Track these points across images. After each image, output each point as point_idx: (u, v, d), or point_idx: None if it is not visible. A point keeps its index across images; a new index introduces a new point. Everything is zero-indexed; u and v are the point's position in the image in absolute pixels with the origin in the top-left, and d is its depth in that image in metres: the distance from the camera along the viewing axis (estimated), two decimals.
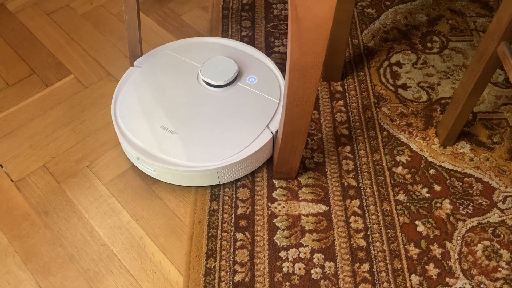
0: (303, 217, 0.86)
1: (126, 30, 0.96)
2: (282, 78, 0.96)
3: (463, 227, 0.85)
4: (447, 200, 0.88)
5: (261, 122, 0.89)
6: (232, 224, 0.85)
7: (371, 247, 0.82)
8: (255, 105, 0.91)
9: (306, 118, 0.76)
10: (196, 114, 0.90)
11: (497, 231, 0.84)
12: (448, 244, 0.83)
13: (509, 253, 0.82)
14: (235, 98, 0.92)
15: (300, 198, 0.88)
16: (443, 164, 0.93)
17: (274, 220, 0.86)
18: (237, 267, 0.80)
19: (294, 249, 0.82)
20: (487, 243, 0.83)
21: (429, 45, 1.13)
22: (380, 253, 0.82)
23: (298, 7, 0.58)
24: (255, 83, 0.94)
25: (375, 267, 0.80)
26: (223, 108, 0.91)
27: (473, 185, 0.90)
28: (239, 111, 0.91)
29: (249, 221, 0.86)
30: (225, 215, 0.86)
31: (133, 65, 0.99)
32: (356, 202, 0.88)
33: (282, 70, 1.00)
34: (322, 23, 0.60)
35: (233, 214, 0.86)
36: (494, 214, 0.86)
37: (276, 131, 0.88)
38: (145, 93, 0.94)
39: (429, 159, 0.94)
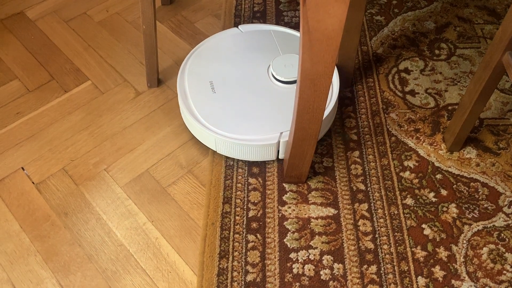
0: (312, 220, 0.89)
1: (143, 39, 1.00)
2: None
3: (469, 230, 0.87)
4: (453, 204, 0.90)
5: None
6: (244, 226, 0.88)
7: (378, 249, 0.85)
8: None
9: (317, 124, 0.79)
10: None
11: (502, 235, 0.86)
12: (454, 247, 0.85)
13: None
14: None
15: (310, 202, 0.91)
16: (449, 169, 0.95)
17: (285, 223, 0.88)
18: (248, 267, 0.83)
19: (304, 250, 0.85)
20: (492, 246, 0.85)
21: (437, 52, 1.16)
22: (387, 256, 0.84)
23: (310, 21, 0.61)
24: None
25: (382, 269, 0.83)
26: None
27: (479, 190, 0.92)
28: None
29: (260, 223, 0.89)
30: (237, 217, 0.89)
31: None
32: (365, 206, 0.90)
33: None
34: (332, 35, 0.63)
35: (245, 217, 0.89)
36: (499, 218, 0.88)
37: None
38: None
39: (436, 164, 0.96)
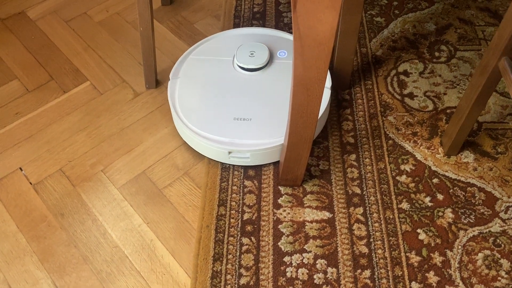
0: (307, 223, 0.89)
1: (141, 40, 1.00)
2: None
3: (464, 236, 0.87)
4: (449, 209, 0.90)
5: None
6: (239, 229, 0.88)
7: (373, 254, 0.85)
8: None
9: (311, 129, 0.79)
10: (254, 97, 0.98)
11: (498, 240, 0.86)
12: (449, 253, 0.85)
13: (509, 263, 0.83)
14: (278, 73, 1.01)
15: (305, 205, 0.91)
16: (446, 174, 0.95)
17: (279, 226, 0.89)
18: (242, 270, 0.84)
19: (298, 254, 0.85)
20: (487, 252, 0.85)
21: (436, 54, 1.15)
22: (381, 260, 0.84)
23: (301, 26, 0.61)
24: (287, 56, 1.03)
25: (376, 273, 0.83)
26: (273, 85, 0.99)
27: (475, 195, 0.92)
28: (289, 81, 0.96)
29: (255, 226, 0.89)
30: (232, 220, 0.90)
31: (169, 79, 1.03)
32: (360, 210, 0.90)
33: None
34: (324, 41, 0.63)
35: (240, 219, 0.90)
36: (495, 223, 0.88)
37: (331, 86, 0.99)
38: (198, 97, 0.99)
39: (433, 168, 0.96)
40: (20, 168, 0.99)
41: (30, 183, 0.97)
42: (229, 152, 0.93)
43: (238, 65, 1.01)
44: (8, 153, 1.01)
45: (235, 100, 0.98)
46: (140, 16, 0.95)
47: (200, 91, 1.00)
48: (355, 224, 0.89)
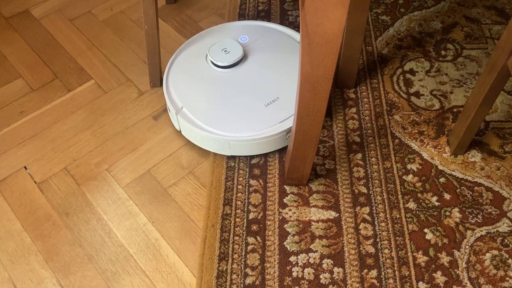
0: (313, 223, 0.88)
1: (145, 39, 1.00)
2: (281, 26, 1.10)
3: (471, 236, 0.86)
4: (456, 209, 0.89)
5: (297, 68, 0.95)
6: (244, 228, 0.88)
7: (379, 254, 0.84)
8: (282, 54, 1.03)
9: (317, 127, 0.78)
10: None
11: (506, 240, 0.85)
12: (456, 253, 0.84)
13: None
14: (258, 63, 1.02)
15: (310, 204, 0.90)
16: (453, 173, 0.94)
17: (285, 225, 0.88)
18: (248, 270, 0.83)
19: (304, 254, 0.84)
20: (495, 252, 0.84)
21: (443, 52, 1.14)
22: (388, 260, 0.83)
23: (309, 24, 0.60)
24: (248, 40, 1.06)
25: (383, 273, 0.82)
26: (258, 76, 1.00)
27: (483, 194, 0.91)
28: (270, 71, 1.01)
29: (261, 225, 0.88)
30: (237, 219, 0.89)
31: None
32: (366, 209, 0.89)
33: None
34: (332, 38, 0.62)
35: (245, 219, 0.89)
36: (503, 223, 0.87)
37: None
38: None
39: (440, 167, 0.95)
40: (25, 167, 0.99)
41: (35, 182, 0.97)
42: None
43: (215, 64, 1.01)
44: (12, 152, 1.01)
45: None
46: (145, 15, 0.95)
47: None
48: (362, 223, 0.88)
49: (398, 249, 0.85)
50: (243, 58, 1.03)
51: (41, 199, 0.94)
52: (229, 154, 0.96)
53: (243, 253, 0.85)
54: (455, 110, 1.04)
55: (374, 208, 0.90)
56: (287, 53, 1.04)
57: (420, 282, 0.81)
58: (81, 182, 0.96)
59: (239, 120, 0.94)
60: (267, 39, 1.07)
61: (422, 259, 0.83)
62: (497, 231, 0.86)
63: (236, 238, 0.87)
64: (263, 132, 0.93)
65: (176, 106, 0.97)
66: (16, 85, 1.13)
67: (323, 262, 0.84)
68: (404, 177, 0.94)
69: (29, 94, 1.11)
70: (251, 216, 0.89)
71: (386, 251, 0.84)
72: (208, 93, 0.98)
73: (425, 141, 0.99)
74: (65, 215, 0.92)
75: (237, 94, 0.98)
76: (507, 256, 0.83)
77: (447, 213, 0.89)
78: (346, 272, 0.82)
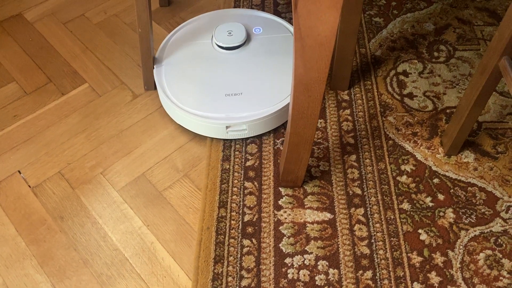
0: (308, 224, 0.89)
1: (139, 42, 1.00)
2: (281, 19, 1.13)
3: (465, 236, 0.86)
4: (450, 209, 0.90)
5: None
6: (239, 230, 0.88)
7: (374, 255, 0.84)
8: (279, 45, 1.06)
9: (311, 130, 0.79)
10: (241, 74, 1.02)
11: (499, 240, 0.86)
12: (450, 253, 0.85)
13: (511, 263, 0.83)
14: (260, 49, 1.06)
15: (305, 206, 0.91)
16: (447, 174, 0.95)
17: (280, 227, 0.88)
18: (243, 272, 0.83)
19: (299, 256, 0.85)
20: (489, 252, 0.84)
21: (435, 54, 1.15)
22: (383, 261, 0.84)
23: (302, 27, 0.61)
24: (262, 32, 1.09)
25: (378, 274, 0.82)
26: (257, 60, 1.04)
27: (476, 195, 0.91)
28: (272, 54, 1.04)
29: (256, 228, 0.88)
30: (232, 221, 0.89)
31: (154, 68, 1.06)
32: (361, 211, 0.90)
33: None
34: (325, 41, 0.63)
35: (240, 221, 0.89)
36: (497, 223, 0.88)
37: None
38: (188, 79, 1.02)
39: (434, 168, 0.95)
40: (19, 171, 0.99)
41: (29, 186, 0.96)
42: (227, 127, 0.96)
43: (217, 45, 1.05)
44: (6, 156, 1.01)
45: (221, 78, 1.02)
46: (138, 18, 0.95)
47: (188, 74, 1.03)
48: (356, 225, 0.88)
49: (393, 250, 0.85)
50: (245, 44, 1.07)
51: (35, 203, 0.94)
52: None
53: (239, 256, 0.85)
54: (448, 111, 1.05)
55: (368, 209, 0.90)
56: (287, 55, 1.06)
57: (415, 283, 0.81)
58: (75, 186, 0.96)
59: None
60: (279, 38, 1.08)
61: (416, 259, 0.84)
62: (490, 231, 0.87)
63: (232, 240, 0.87)
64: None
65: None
66: (10, 89, 1.13)
67: (318, 263, 0.84)
68: (398, 178, 0.94)
69: (22, 98, 1.11)
70: (246, 218, 0.90)
71: (381, 252, 0.85)
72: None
73: (418, 142, 0.99)
74: (60, 219, 0.92)
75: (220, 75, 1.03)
76: (500, 255, 0.84)
77: (441, 214, 0.89)
78: (341, 273, 0.83)
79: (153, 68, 1.04)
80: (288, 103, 0.96)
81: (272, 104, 0.97)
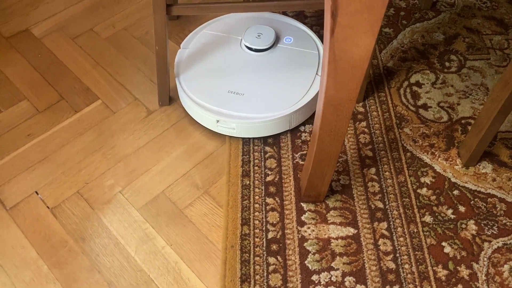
0: (333, 240, 0.89)
1: (156, 59, 0.99)
2: (313, 33, 1.13)
3: (489, 248, 0.87)
4: (472, 221, 0.90)
5: (311, 71, 1.05)
6: (264, 248, 0.88)
7: (400, 269, 0.85)
8: (300, 59, 1.07)
9: (337, 147, 0.79)
10: (252, 76, 1.04)
11: None
12: (475, 265, 0.85)
13: None
14: (280, 57, 1.07)
15: (329, 221, 0.91)
16: (466, 185, 0.95)
17: (305, 244, 0.88)
18: None
19: (325, 272, 0.85)
20: None
21: (447, 64, 1.16)
22: (409, 275, 0.84)
23: (336, 51, 0.61)
24: (292, 42, 1.10)
25: None
26: (273, 67, 1.05)
27: (496, 206, 0.92)
28: (288, 66, 1.06)
29: (280, 245, 0.88)
30: (256, 239, 0.89)
31: (180, 48, 1.12)
32: (384, 225, 0.90)
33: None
34: (358, 64, 0.63)
35: (264, 238, 0.89)
36: None
37: None
38: (202, 68, 1.07)
39: (453, 180, 0.96)
40: (36, 192, 0.97)
41: (48, 207, 0.95)
42: (217, 121, 0.99)
43: (244, 44, 1.08)
44: (22, 177, 1.00)
45: (234, 75, 1.04)
46: (156, 35, 0.95)
47: (204, 63, 1.07)
48: (380, 239, 0.89)
49: (418, 263, 0.86)
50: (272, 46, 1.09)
51: (55, 225, 0.93)
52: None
53: (265, 274, 0.85)
54: (463, 121, 1.05)
55: (391, 223, 0.90)
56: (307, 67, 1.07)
57: None
58: (95, 206, 0.95)
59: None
60: (304, 53, 1.08)
61: (442, 273, 0.84)
62: None
63: (257, 258, 0.87)
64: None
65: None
66: (21, 107, 1.11)
67: (345, 280, 0.84)
68: (418, 190, 0.95)
69: (35, 116, 1.10)
70: (270, 235, 0.89)
71: (407, 266, 0.85)
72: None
73: (436, 153, 1.00)
74: (81, 241, 0.91)
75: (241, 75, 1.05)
76: None
77: (463, 226, 0.90)
78: None
79: (179, 48, 1.10)
80: (278, 117, 0.98)
81: (264, 112, 0.98)
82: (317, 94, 1.01)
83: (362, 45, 0.60)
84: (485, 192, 0.94)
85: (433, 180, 0.96)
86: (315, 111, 1.04)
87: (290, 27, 1.14)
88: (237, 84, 1.02)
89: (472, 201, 0.93)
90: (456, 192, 0.94)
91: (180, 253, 0.89)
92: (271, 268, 0.86)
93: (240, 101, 1.00)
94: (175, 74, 1.06)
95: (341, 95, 0.68)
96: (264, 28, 1.09)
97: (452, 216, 0.91)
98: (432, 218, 0.91)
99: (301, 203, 0.93)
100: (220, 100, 1.00)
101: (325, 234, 0.89)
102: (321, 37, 1.16)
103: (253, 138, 1.03)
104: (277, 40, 1.09)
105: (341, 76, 0.65)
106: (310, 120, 1.06)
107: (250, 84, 1.03)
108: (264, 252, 0.87)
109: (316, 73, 1.04)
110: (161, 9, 0.89)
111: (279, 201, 0.94)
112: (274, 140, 1.03)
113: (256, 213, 0.92)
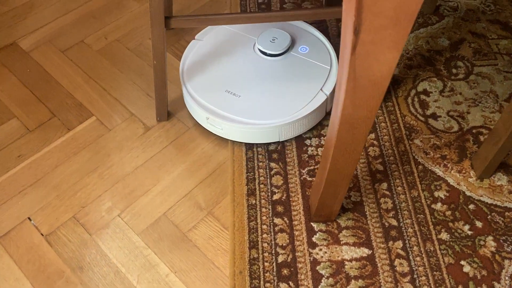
0: (346, 262, 0.84)
1: (154, 74, 0.94)
2: (331, 47, 1.07)
3: (510, 265, 0.83)
4: (490, 237, 0.87)
5: (315, 85, 1.00)
6: (275, 273, 0.83)
7: None
8: (308, 71, 1.02)
9: (352, 166, 0.74)
10: (255, 80, 1.01)
11: None
12: (496, 285, 0.81)
13: None
14: (289, 66, 1.03)
15: (341, 242, 0.86)
16: (482, 198, 0.91)
17: (317, 267, 0.84)
18: None
19: None
20: None
21: (454, 71, 1.12)
22: None
23: (357, 68, 0.56)
24: (307, 52, 1.05)
25: None
26: (279, 75, 1.01)
27: None
28: (295, 76, 1.01)
29: (292, 269, 0.83)
30: (266, 263, 0.84)
31: (194, 38, 1.09)
32: (399, 244, 0.86)
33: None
34: (380, 80, 0.58)
35: (274, 262, 0.84)
36: None
37: (330, 93, 0.99)
38: (208, 62, 1.04)
39: (467, 193, 0.92)
40: (29, 218, 0.91)
41: (42, 234, 0.89)
42: (207, 118, 0.96)
43: (257, 47, 1.05)
44: (13, 202, 0.93)
45: (237, 75, 1.01)
46: (154, 49, 0.89)
47: (212, 57, 1.05)
48: (396, 259, 0.84)
49: (437, 285, 0.81)
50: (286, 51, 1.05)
51: (50, 254, 0.87)
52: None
53: None
54: (474, 131, 1.02)
55: (407, 241, 0.86)
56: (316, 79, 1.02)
57: None
58: (92, 232, 0.89)
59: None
60: (316, 67, 1.03)
61: None
62: None
63: (267, 285, 0.82)
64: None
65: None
66: (11, 126, 1.05)
67: None
68: (433, 205, 0.91)
69: (25, 136, 1.03)
70: (280, 259, 0.85)
71: None
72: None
73: (448, 165, 0.96)
74: (79, 270, 0.85)
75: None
76: None
77: (482, 242, 0.86)
78: None
79: (194, 39, 1.08)
80: (266, 127, 0.95)
81: (254, 119, 0.95)
82: (314, 110, 0.97)
83: (384, 61, 0.55)
84: (502, 205, 0.90)
85: (447, 194, 0.92)
86: (314, 127, 1.01)
87: (309, 36, 1.08)
88: (237, 85, 0.99)
89: (489, 216, 0.89)
90: (471, 206, 0.91)
91: (186, 280, 0.83)
92: None
93: (234, 103, 0.97)
94: (181, 61, 1.04)
95: (359, 113, 0.64)
96: (281, 33, 1.05)
97: (469, 233, 0.87)
98: (448, 235, 0.87)
99: (311, 223, 0.89)
100: (215, 98, 0.97)
101: (338, 256, 0.85)
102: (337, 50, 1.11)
103: (258, 154, 0.98)
104: (291, 46, 1.05)
105: (361, 94, 0.60)
106: (315, 133, 1.01)
107: (250, 87, 0.99)
108: (275, 277, 0.82)
109: (321, 89, 0.99)
110: (159, 22, 0.84)
111: (287, 221, 0.89)
112: (279, 155, 0.98)
113: (264, 235, 0.88)
